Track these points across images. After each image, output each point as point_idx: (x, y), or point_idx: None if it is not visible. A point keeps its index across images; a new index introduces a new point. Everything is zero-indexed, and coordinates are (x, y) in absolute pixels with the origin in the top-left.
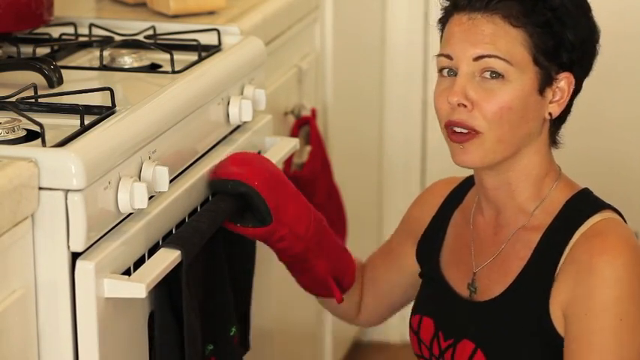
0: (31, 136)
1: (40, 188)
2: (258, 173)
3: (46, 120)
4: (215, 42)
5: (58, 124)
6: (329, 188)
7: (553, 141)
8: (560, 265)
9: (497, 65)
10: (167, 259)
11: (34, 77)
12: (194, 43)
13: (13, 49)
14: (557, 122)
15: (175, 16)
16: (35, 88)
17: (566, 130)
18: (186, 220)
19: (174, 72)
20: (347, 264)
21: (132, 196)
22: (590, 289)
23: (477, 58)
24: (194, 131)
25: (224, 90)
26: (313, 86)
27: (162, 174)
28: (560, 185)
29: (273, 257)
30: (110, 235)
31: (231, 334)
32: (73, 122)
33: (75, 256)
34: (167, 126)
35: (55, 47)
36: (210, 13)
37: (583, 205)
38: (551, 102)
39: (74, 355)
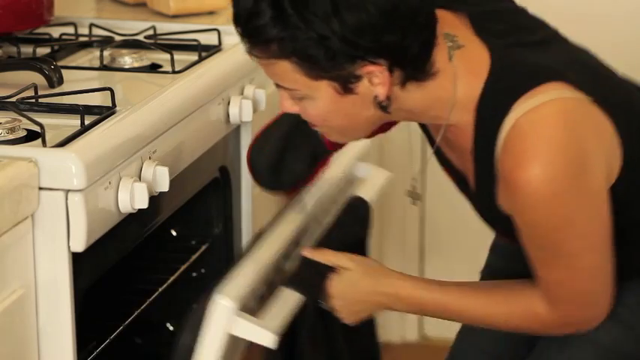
0: (31, 136)
1: (41, 188)
2: None
3: (47, 120)
4: (215, 42)
5: (58, 124)
6: None
7: (418, 77)
8: (495, 163)
9: (290, 93)
10: (291, 303)
11: (35, 77)
12: (194, 43)
13: (13, 49)
14: (410, 64)
15: (175, 16)
16: (35, 88)
17: None
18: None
19: (174, 72)
20: None
21: (132, 196)
22: (519, 208)
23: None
24: (194, 131)
25: (224, 90)
26: None
27: (163, 174)
28: (463, 82)
29: None
30: (244, 271)
31: None
32: (73, 122)
33: (75, 256)
34: (167, 126)
35: (56, 47)
36: (210, 13)
37: (500, 98)
38: (372, 84)
39: (74, 355)
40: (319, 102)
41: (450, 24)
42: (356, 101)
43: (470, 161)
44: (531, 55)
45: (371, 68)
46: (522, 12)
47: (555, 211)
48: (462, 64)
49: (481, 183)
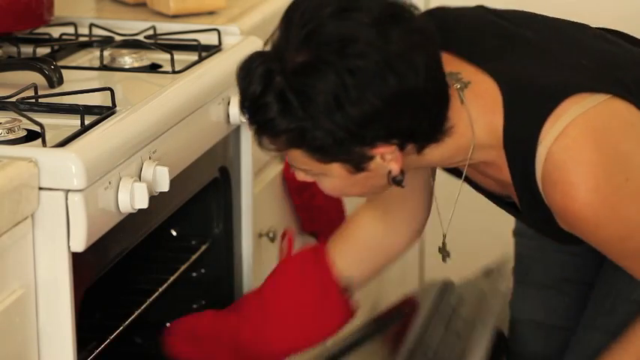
0: (31, 136)
1: (41, 188)
2: None
3: (47, 120)
4: (215, 42)
5: (58, 124)
6: None
7: (435, 139)
8: (541, 193)
9: (304, 171)
10: None
11: (35, 77)
12: (194, 43)
13: (13, 49)
14: (421, 139)
15: (175, 16)
16: (35, 88)
17: None
18: None
19: (174, 72)
20: None
21: (132, 196)
22: (585, 233)
23: None
24: (194, 131)
25: (224, 90)
26: None
27: (163, 174)
28: (482, 124)
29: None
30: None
31: None
32: (73, 122)
33: (75, 256)
34: (167, 126)
35: (56, 47)
36: (210, 13)
37: (524, 131)
38: (385, 161)
39: (74, 355)
40: (333, 179)
41: (447, 61)
42: (370, 175)
43: (511, 189)
44: (537, 73)
45: (382, 150)
46: (493, 12)
47: (621, 221)
48: (474, 103)
49: (529, 207)
